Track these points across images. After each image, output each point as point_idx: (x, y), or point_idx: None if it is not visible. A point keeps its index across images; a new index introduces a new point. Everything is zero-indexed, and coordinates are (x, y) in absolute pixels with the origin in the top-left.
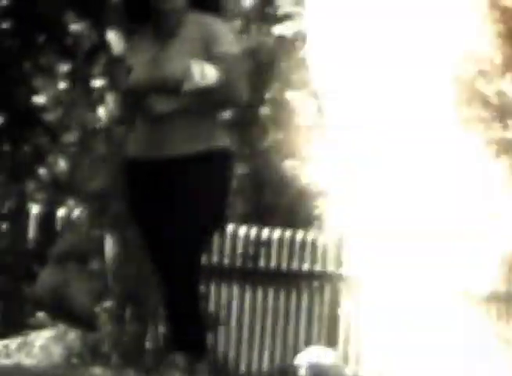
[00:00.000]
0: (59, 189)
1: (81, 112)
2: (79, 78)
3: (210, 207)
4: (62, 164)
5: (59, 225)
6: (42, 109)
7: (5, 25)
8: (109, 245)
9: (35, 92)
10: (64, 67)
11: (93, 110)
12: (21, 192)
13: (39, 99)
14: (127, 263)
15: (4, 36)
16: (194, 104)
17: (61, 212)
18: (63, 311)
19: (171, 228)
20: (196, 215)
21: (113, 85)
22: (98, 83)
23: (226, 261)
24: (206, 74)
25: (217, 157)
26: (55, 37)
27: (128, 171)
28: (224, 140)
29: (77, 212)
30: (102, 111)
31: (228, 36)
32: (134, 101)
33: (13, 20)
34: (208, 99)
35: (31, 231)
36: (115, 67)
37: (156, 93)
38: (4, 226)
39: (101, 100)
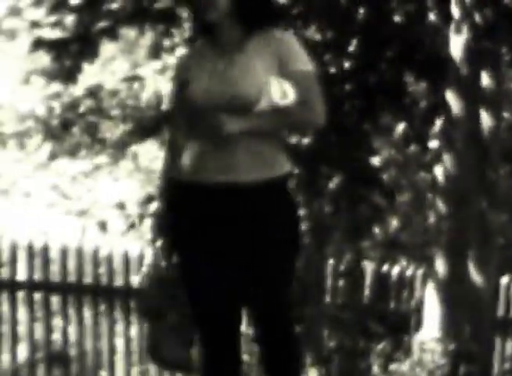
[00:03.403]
0: (391, 248)
1: (414, 172)
2: (414, 139)
3: (287, 234)
4: (394, 223)
5: (392, 283)
6: (378, 169)
7: (348, 87)
8: None
9: (373, 152)
10: (399, 128)
11: (427, 170)
12: (357, 249)
13: (374, 160)
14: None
15: (347, 98)
16: (267, 124)
17: (395, 270)
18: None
19: (244, 261)
20: (276, 245)
21: (448, 147)
22: (434, 143)
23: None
24: (285, 92)
25: (282, 183)
26: (395, 98)
27: (175, 195)
28: (287, 164)
29: (409, 271)
30: (438, 171)
31: (303, 53)
32: (193, 118)
33: (356, 83)
34: (284, 120)
35: (367, 288)
36: (452, 129)
37: (224, 111)
38: (341, 283)
39: (437, 160)
